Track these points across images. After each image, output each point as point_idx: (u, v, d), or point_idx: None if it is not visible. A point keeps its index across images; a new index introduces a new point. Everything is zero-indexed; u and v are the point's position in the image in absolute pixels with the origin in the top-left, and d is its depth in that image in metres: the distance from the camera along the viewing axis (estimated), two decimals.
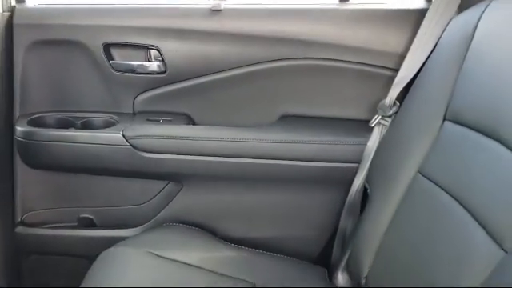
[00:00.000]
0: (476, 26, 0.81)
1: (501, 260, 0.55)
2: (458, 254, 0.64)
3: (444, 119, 0.81)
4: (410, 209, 0.81)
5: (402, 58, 0.99)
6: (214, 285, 0.88)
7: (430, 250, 0.70)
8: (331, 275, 0.99)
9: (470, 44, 0.81)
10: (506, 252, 0.55)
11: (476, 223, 0.63)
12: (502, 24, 0.77)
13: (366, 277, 0.86)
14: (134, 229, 1.11)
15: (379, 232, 0.85)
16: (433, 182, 0.77)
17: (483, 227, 0.61)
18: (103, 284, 0.84)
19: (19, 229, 1.14)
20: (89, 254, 0.98)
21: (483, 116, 0.71)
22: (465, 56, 0.80)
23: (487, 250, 0.58)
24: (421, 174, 0.81)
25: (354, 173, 1.02)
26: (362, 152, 1.01)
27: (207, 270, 0.90)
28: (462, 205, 0.67)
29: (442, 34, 0.92)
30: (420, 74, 0.94)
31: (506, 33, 0.74)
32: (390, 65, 1.02)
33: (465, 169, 0.71)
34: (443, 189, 0.73)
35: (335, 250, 1.05)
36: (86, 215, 1.15)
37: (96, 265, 0.90)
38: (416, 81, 0.94)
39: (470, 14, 0.85)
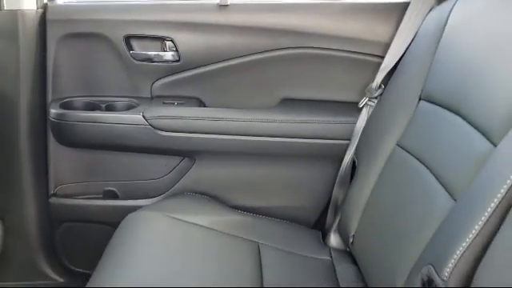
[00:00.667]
0: (447, 18, 0.93)
1: (451, 208, 0.68)
2: (423, 208, 0.77)
3: (420, 99, 0.93)
4: (389, 176, 0.94)
5: (387, 46, 1.11)
6: (223, 243, 1.01)
7: (402, 208, 0.84)
8: (325, 237, 1.13)
9: (441, 34, 0.92)
10: (455, 200, 0.69)
11: (438, 182, 0.76)
12: (468, 16, 0.89)
13: (353, 235, 0.98)
14: (152, 199, 1.23)
15: (364, 197, 0.98)
16: (408, 152, 0.89)
17: (443, 185, 0.74)
18: (129, 240, 0.97)
19: (52, 200, 1.25)
20: (113, 221, 1.09)
21: (451, 96, 0.83)
22: (437, 45, 0.92)
23: (444, 202, 0.71)
24: (399, 146, 0.94)
25: (345, 149, 1.14)
26: (352, 130, 1.13)
27: (217, 231, 1.03)
28: (428, 169, 0.80)
29: (421, 24, 1.05)
30: (402, 60, 1.06)
31: (471, 24, 0.86)
32: (377, 52, 1.14)
33: (434, 140, 0.84)
34: (416, 157, 0.86)
35: (329, 216, 1.18)
36: (110, 188, 1.26)
37: (122, 226, 1.02)
38: (398, 66, 1.06)
39: (444, 6, 0.97)
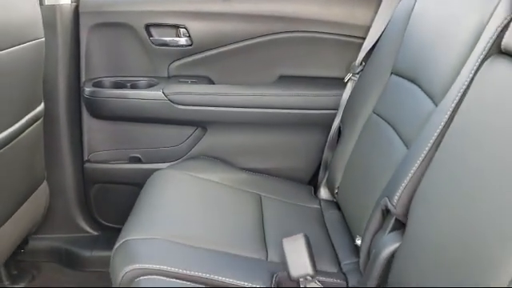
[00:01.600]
0: (414, 6, 1.12)
1: (404, 155, 0.89)
2: (386, 157, 0.97)
3: (391, 73, 1.13)
4: (365, 137, 1.14)
5: (367, 29, 1.30)
6: (232, 195, 1.22)
7: (372, 160, 1.05)
8: (316, 191, 1.34)
9: (409, 19, 1.12)
10: (408, 148, 0.89)
11: (398, 137, 0.97)
12: (428, 5, 1.08)
13: (338, 187, 1.20)
14: (171, 163, 1.42)
15: (346, 156, 1.19)
16: (380, 116, 1.10)
17: (401, 138, 0.95)
18: (156, 193, 1.17)
19: (87, 165, 1.45)
20: (138, 182, 1.29)
21: (412, 69, 1.03)
22: (406, 28, 1.12)
23: (400, 151, 0.92)
24: (374, 112, 1.14)
25: (333, 117, 1.34)
26: (338, 101, 1.33)
27: (227, 186, 1.25)
28: (392, 127, 1.01)
29: (395, 10, 1.23)
30: (379, 41, 1.26)
31: (430, 11, 1.05)
32: (359, 34, 1.33)
33: (397, 105, 1.04)
34: (385, 120, 1.07)
35: (320, 174, 1.38)
36: (135, 154, 1.46)
37: (149, 182, 1.23)
38: (376, 47, 1.26)
39: None
